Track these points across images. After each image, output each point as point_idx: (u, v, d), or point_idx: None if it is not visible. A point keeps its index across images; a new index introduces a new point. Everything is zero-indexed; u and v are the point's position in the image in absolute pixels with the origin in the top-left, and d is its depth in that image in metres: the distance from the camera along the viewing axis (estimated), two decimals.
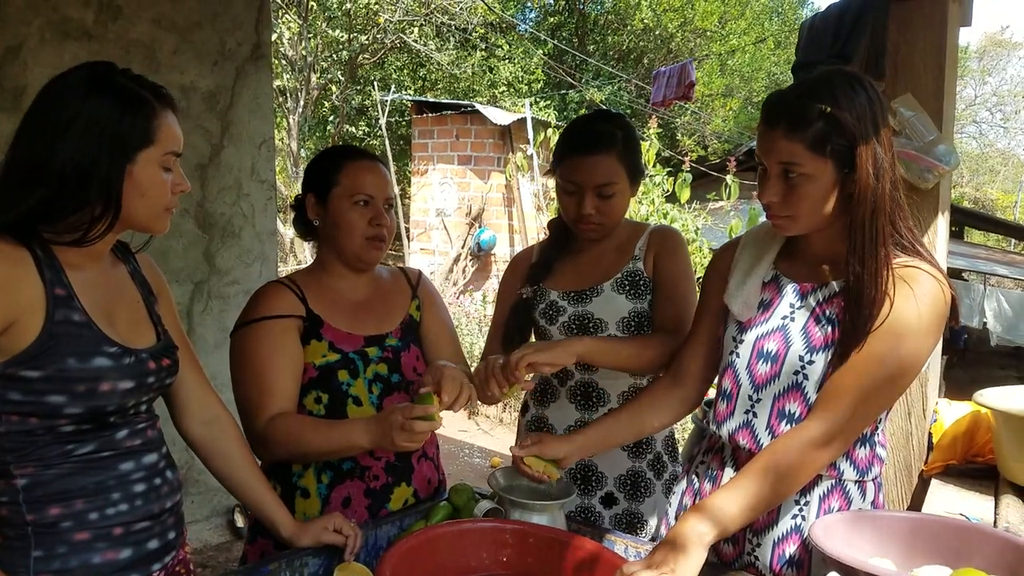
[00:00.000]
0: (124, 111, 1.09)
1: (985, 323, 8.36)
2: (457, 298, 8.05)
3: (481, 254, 8.47)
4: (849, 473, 1.29)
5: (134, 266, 1.29)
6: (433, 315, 1.70)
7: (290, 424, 1.43)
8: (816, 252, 1.32)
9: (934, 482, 2.07)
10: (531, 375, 1.49)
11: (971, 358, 9.17)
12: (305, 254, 9.60)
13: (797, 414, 1.28)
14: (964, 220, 11.51)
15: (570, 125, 1.75)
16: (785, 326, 1.31)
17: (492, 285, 8.39)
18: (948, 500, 1.93)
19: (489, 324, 1.89)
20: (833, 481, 1.30)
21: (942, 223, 2.21)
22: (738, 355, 1.36)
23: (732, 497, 1.22)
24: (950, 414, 2.18)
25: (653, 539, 1.66)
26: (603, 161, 1.62)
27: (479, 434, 5.93)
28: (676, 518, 1.49)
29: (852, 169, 1.20)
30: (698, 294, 1.67)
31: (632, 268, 1.71)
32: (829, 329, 1.26)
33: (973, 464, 2.13)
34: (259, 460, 1.46)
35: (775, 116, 1.23)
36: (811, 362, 1.27)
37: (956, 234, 11.04)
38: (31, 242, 1.08)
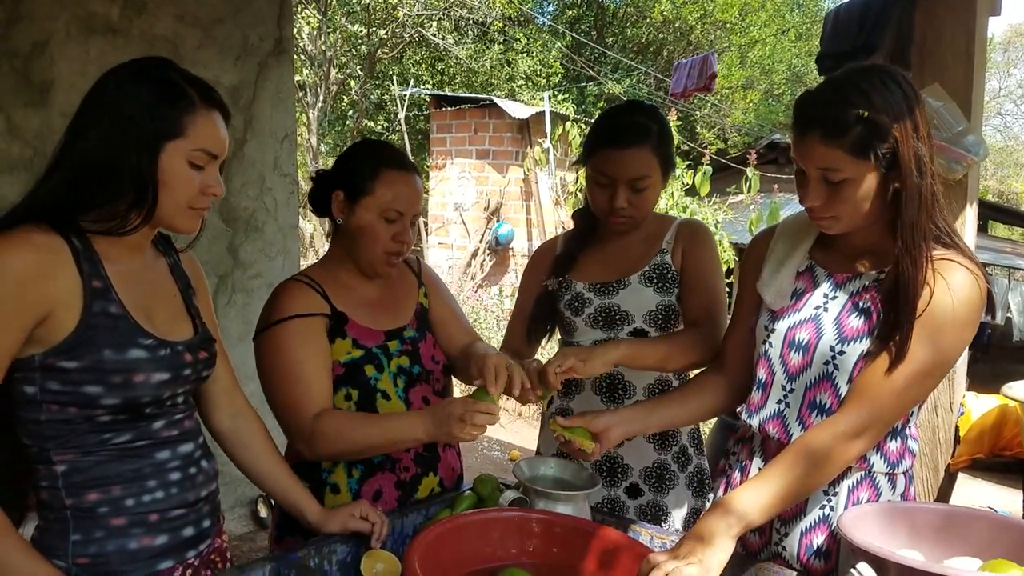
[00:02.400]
0: (156, 101, 1.09)
1: (1009, 317, 8.24)
2: (475, 292, 8.06)
3: (499, 248, 8.47)
4: (879, 465, 1.29)
5: (175, 260, 1.29)
6: (439, 299, 1.70)
7: (341, 420, 1.43)
8: (853, 243, 1.31)
9: (961, 476, 2.05)
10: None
11: (994, 353, 9.06)
12: (325, 249, 9.65)
13: (828, 405, 1.27)
14: (988, 214, 11.34)
15: (603, 116, 1.73)
16: (818, 316, 1.30)
17: (510, 279, 8.39)
18: (975, 493, 1.91)
19: (507, 318, 1.88)
20: (863, 473, 1.29)
21: (971, 214, 2.19)
22: (771, 344, 1.36)
23: (761, 488, 1.22)
24: (977, 407, 2.16)
25: (678, 531, 1.66)
26: (637, 154, 1.60)
27: (497, 427, 5.95)
28: None
29: (893, 168, 1.18)
30: (725, 287, 1.67)
31: (660, 261, 1.70)
32: (863, 320, 1.25)
33: (1000, 458, 2.10)
34: (308, 456, 1.46)
35: (810, 121, 1.20)
36: (842, 353, 1.26)
37: (980, 228, 10.87)
38: (69, 233, 1.09)
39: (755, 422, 1.36)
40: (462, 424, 1.32)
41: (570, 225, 1.89)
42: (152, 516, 1.14)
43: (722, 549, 1.19)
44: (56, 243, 1.07)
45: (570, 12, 15.40)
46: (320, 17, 11.15)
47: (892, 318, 1.20)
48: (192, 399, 1.28)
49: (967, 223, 2.20)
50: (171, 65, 1.15)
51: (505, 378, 1.37)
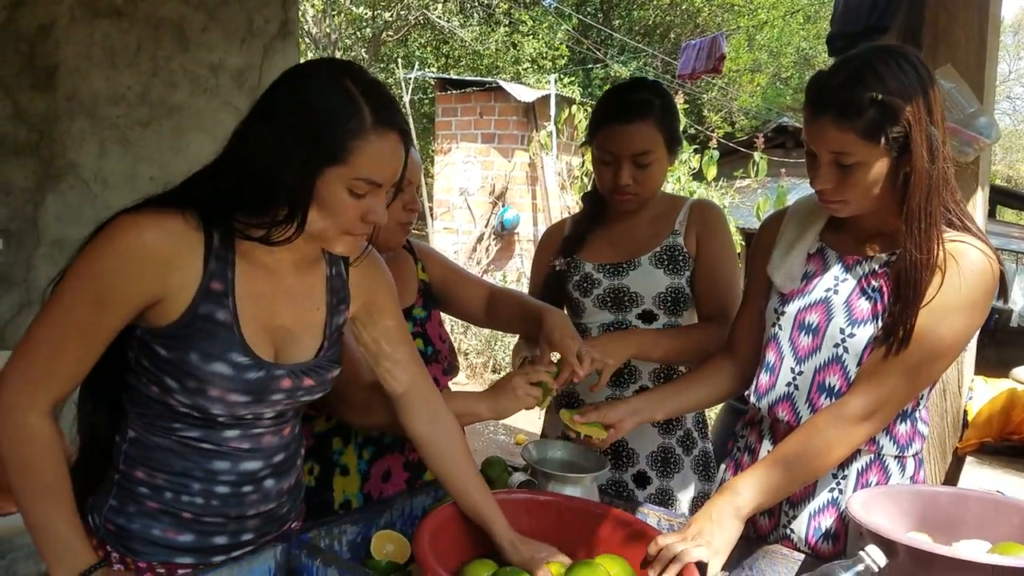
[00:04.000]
0: (321, 119, 0.99)
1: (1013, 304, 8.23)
2: (481, 277, 8.04)
3: (504, 233, 8.45)
4: (889, 448, 1.29)
5: (338, 271, 1.21)
6: (438, 267, 1.69)
7: None
8: (864, 226, 1.30)
9: (968, 460, 2.05)
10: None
11: (1001, 338, 9.04)
12: None
13: (837, 388, 1.27)
14: (997, 198, 11.24)
15: (606, 94, 1.72)
16: (828, 298, 1.30)
17: (516, 264, 8.38)
18: (983, 478, 1.91)
19: None
20: (872, 456, 1.29)
21: (981, 197, 2.17)
22: (780, 327, 1.35)
23: (769, 471, 1.22)
24: (986, 392, 2.15)
25: (685, 515, 1.66)
26: (640, 129, 1.60)
27: None
28: None
29: (904, 152, 1.17)
30: (739, 276, 1.66)
31: (672, 243, 1.69)
32: (873, 303, 1.25)
33: (1008, 442, 2.11)
34: (356, 424, 1.44)
35: (822, 104, 1.19)
36: (852, 335, 1.25)
37: (989, 212, 10.77)
38: (214, 227, 1.05)
39: (764, 405, 1.36)
40: (527, 388, 1.36)
41: (576, 210, 1.88)
42: (185, 514, 1.12)
43: (730, 530, 1.20)
44: (191, 234, 1.03)
45: None
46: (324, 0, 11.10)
47: (901, 301, 1.19)
48: (290, 415, 1.20)
49: (978, 206, 2.18)
50: (353, 73, 1.03)
51: (578, 367, 1.39)
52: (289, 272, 1.14)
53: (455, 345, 7.33)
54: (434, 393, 1.30)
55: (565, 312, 1.82)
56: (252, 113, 1.04)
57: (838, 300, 1.29)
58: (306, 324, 1.16)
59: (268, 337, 1.11)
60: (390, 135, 1.03)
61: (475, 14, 13.12)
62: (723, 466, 1.52)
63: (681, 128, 1.76)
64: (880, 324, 1.23)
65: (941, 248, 1.18)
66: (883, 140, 1.16)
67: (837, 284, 1.30)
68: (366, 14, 11.76)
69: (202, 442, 1.11)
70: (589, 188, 1.82)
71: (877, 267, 1.27)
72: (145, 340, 1.05)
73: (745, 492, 1.22)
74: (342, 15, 11.65)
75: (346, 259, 1.22)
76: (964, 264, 1.17)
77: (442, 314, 1.69)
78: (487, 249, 8.47)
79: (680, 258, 1.68)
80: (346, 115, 0.99)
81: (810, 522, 1.31)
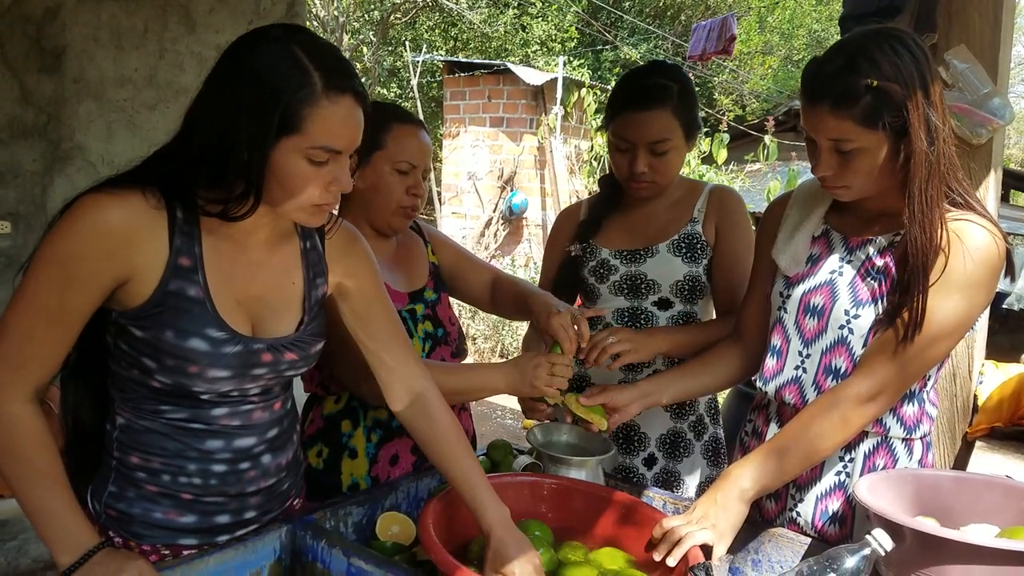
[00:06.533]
0: (270, 88, 0.96)
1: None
2: (489, 262, 8.03)
3: (513, 218, 8.42)
4: (896, 430, 1.28)
5: (312, 244, 1.19)
6: (446, 250, 1.69)
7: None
8: (868, 207, 1.29)
9: (978, 444, 2.04)
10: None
11: (1013, 323, 8.98)
12: None
13: (843, 369, 1.26)
14: (1011, 183, 11.12)
15: (623, 78, 1.69)
16: (832, 280, 1.29)
17: (524, 249, 8.36)
18: (992, 463, 1.90)
19: None
20: (879, 438, 1.29)
21: (993, 180, 2.15)
22: (786, 311, 1.34)
23: (774, 453, 1.22)
24: (996, 376, 2.14)
25: (691, 499, 1.66)
26: (657, 117, 1.57)
27: (509, 396, 5.97)
28: None
29: (903, 135, 1.16)
30: None
31: (691, 231, 1.67)
32: (877, 284, 1.24)
33: (1019, 427, 2.09)
34: (374, 400, 1.38)
35: (819, 92, 1.18)
36: (857, 316, 1.25)
37: (1002, 197, 10.66)
38: (177, 203, 1.03)
39: (771, 389, 1.36)
40: (549, 377, 1.35)
41: (584, 194, 1.86)
42: (185, 495, 1.12)
43: (735, 513, 1.20)
44: (154, 212, 1.01)
45: None
46: None
47: (906, 281, 1.18)
48: (278, 390, 1.19)
49: (990, 189, 2.15)
50: (299, 39, 1.00)
51: (576, 338, 1.39)
52: (260, 245, 1.13)
53: (463, 330, 7.40)
54: (420, 372, 1.26)
55: (579, 296, 1.81)
56: (204, 86, 1.02)
57: (842, 282, 1.28)
58: (283, 298, 1.15)
59: (243, 311, 1.10)
60: (343, 100, 1.00)
61: None
62: (733, 451, 1.52)
63: (698, 106, 1.73)
64: (884, 305, 1.22)
65: (944, 228, 1.16)
66: (881, 125, 1.15)
67: (841, 266, 1.29)
68: None
69: (191, 422, 1.11)
70: (606, 172, 1.79)
71: (881, 248, 1.26)
72: (121, 323, 1.05)
73: (749, 475, 1.21)
74: None
75: (321, 232, 1.20)
76: (969, 243, 1.16)
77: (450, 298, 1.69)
78: (495, 234, 8.45)
79: (698, 246, 1.66)
80: (296, 83, 0.97)
81: (817, 505, 1.31)
